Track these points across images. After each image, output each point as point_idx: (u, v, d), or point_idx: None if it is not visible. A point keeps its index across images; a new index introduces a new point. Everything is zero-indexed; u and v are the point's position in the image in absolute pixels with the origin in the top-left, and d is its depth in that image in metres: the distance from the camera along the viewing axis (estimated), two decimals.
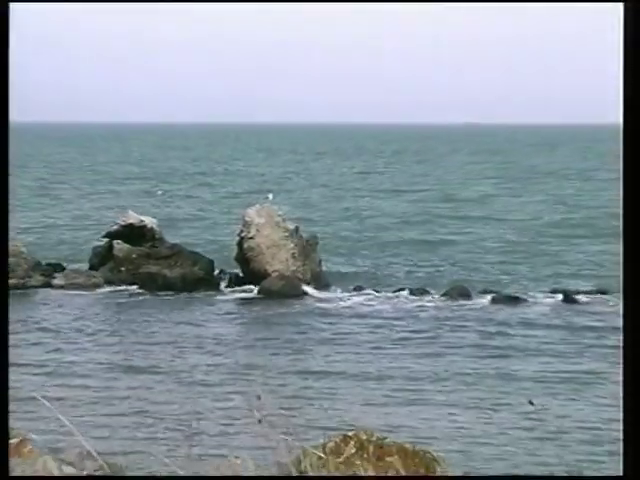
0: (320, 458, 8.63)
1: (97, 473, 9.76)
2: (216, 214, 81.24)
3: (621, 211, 7.09)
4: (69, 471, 9.36)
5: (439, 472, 8.78)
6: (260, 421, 8.86)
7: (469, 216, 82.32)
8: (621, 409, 6.74)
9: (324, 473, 8.51)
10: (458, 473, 10.30)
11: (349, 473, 8.57)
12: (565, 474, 9.57)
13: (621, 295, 7.16)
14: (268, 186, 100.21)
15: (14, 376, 31.70)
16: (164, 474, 10.42)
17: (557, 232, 71.12)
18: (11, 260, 46.46)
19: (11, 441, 9.79)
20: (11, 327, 37.71)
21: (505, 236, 69.70)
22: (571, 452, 25.92)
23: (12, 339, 35.42)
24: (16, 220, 52.87)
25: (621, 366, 6.74)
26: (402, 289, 48.61)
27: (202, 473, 8.79)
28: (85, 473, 9.16)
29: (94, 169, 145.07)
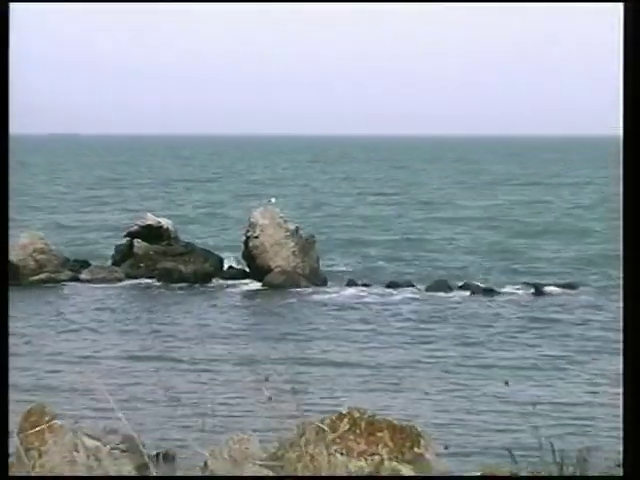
0: (318, 433, 9.06)
1: (119, 446, 10.18)
2: None
3: (621, 211, 6.75)
4: (92, 444, 9.78)
5: (423, 445, 8.96)
6: (270, 398, 9.19)
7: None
8: (621, 409, 6.40)
9: (322, 447, 8.90)
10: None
11: (344, 447, 8.98)
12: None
13: (621, 295, 6.65)
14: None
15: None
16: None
17: None
18: (42, 257, 50.66)
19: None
20: (45, 314, 40.55)
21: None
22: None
23: (47, 323, 41.57)
24: None
25: (621, 366, 6.44)
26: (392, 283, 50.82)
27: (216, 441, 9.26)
28: (108, 447, 9.53)
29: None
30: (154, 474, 8.29)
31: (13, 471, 8.03)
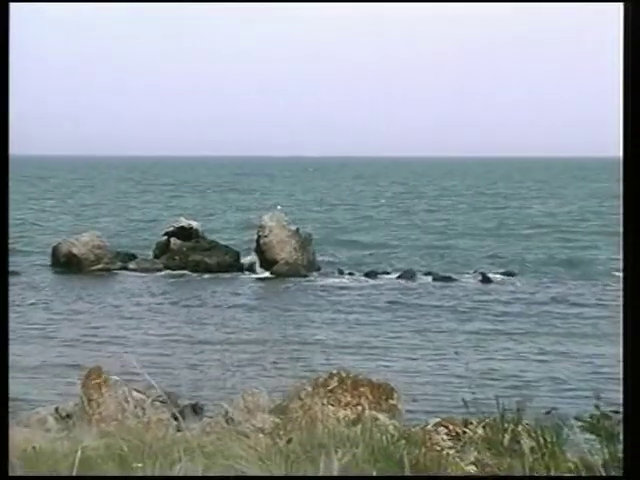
0: (313, 388, 9.21)
1: (159, 398, 10.28)
2: None
3: (621, 211, 5.56)
4: (138, 397, 9.92)
5: (395, 398, 8.95)
6: (275, 362, 9.36)
7: None
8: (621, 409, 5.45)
9: (316, 400, 9.03)
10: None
11: (333, 400, 9.11)
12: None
13: (621, 295, 5.51)
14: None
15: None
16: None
17: None
18: (99, 251, 51.38)
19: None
20: (102, 294, 41.37)
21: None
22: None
23: (107, 301, 42.00)
24: None
25: (621, 366, 5.36)
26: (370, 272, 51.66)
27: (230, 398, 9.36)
28: (149, 400, 9.59)
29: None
30: (181, 426, 8.27)
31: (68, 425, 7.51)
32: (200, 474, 5.81)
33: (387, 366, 28.51)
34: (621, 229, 5.53)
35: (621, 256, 5.51)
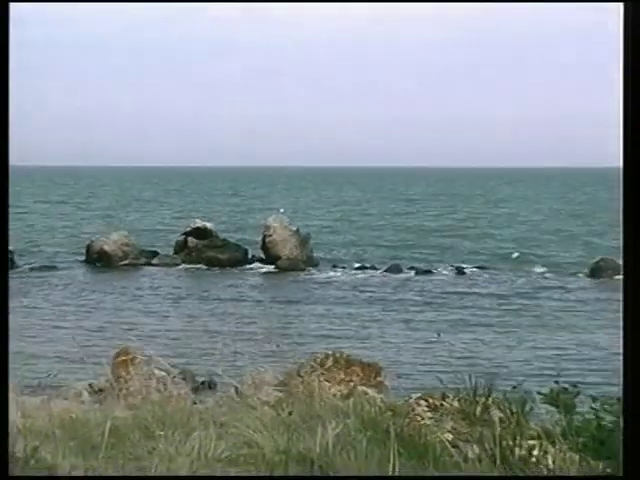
0: (312, 367, 9.22)
1: (179, 375, 10.33)
2: None
3: (621, 211, 4.91)
4: (160, 374, 9.99)
5: (382, 375, 8.91)
6: (278, 345, 9.34)
7: None
8: (621, 409, 4.92)
9: (314, 377, 9.05)
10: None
11: (329, 377, 9.12)
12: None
13: (621, 295, 4.92)
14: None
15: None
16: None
17: None
18: (126, 248, 51.39)
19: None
20: (129, 286, 42.58)
21: None
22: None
23: (134, 291, 41.98)
24: None
25: (621, 366, 4.81)
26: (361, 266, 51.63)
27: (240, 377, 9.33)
28: (170, 377, 9.58)
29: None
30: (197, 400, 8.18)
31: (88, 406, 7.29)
32: (213, 440, 5.81)
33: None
34: (621, 229, 4.88)
35: (621, 257, 4.93)
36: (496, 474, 5.30)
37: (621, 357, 4.75)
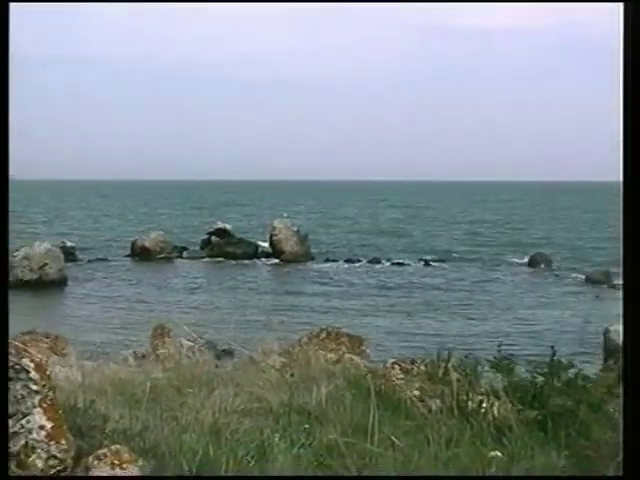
0: (309, 339, 9.22)
1: (204, 345, 10.26)
2: None
3: (621, 211, 4.11)
4: (188, 344, 10.11)
5: (365, 345, 8.71)
6: (282, 322, 9.21)
7: None
8: (621, 410, 4.04)
9: (311, 346, 9.05)
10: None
11: (323, 347, 9.11)
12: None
13: (621, 295, 4.14)
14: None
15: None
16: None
17: None
18: (162, 245, 51.12)
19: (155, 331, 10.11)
20: (162, 277, 41.93)
21: None
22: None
23: (170, 280, 41.02)
24: None
25: (621, 366, 4.14)
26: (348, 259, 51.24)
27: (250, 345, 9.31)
28: (197, 346, 9.54)
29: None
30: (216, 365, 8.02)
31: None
32: (231, 396, 5.80)
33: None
34: (621, 229, 4.15)
35: (621, 257, 4.17)
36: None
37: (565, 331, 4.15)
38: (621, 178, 4.10)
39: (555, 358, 5.84)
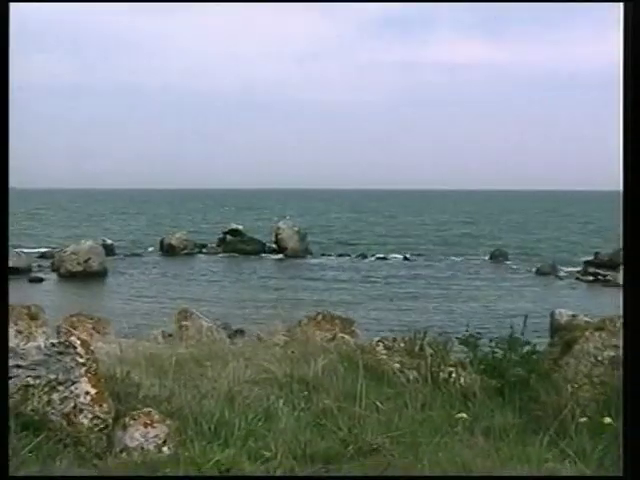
0: (308, 320, 9.20)
1: (220, 326, 10.19)
2: None
3: (621, 211, 3.55)
4: (207, 325, 9.13)
5: (354, 327, 8.35)
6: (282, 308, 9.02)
7: None
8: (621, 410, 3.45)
9: (309, 327, 9.01)
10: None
11: (319, 328, 9.04)
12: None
13: (621, 295, 3.58)
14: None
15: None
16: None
17: None
18: (185, 242, 50.54)
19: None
20: (183, 268, 41.98)
21: None
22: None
23: (191, 274, 39.91)
24: None
25: (621, 366, 3.64)
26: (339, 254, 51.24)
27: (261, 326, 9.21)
28: (214, 327, 9.40)
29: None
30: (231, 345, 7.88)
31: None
32: (243, 369, 5.77)
33: None
34: (621, 230, 3.65)
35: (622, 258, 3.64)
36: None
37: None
38: (621, 183, 3.60)
39: (513, 336, 5.85)
